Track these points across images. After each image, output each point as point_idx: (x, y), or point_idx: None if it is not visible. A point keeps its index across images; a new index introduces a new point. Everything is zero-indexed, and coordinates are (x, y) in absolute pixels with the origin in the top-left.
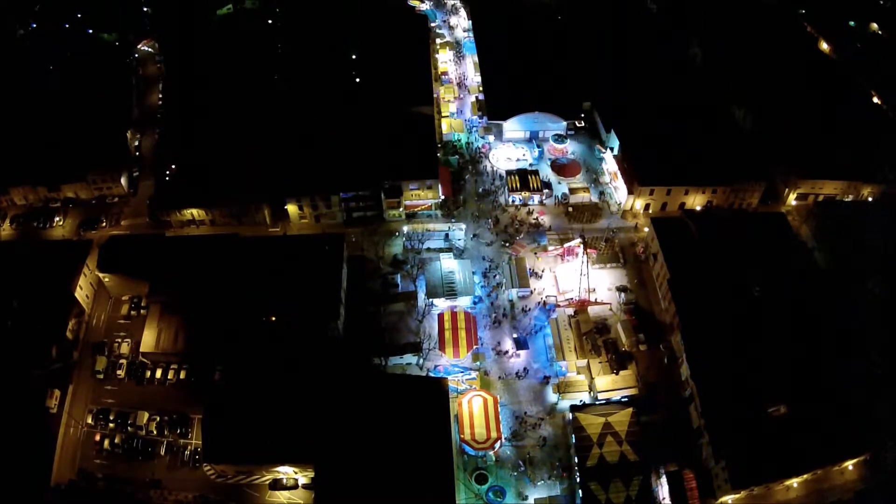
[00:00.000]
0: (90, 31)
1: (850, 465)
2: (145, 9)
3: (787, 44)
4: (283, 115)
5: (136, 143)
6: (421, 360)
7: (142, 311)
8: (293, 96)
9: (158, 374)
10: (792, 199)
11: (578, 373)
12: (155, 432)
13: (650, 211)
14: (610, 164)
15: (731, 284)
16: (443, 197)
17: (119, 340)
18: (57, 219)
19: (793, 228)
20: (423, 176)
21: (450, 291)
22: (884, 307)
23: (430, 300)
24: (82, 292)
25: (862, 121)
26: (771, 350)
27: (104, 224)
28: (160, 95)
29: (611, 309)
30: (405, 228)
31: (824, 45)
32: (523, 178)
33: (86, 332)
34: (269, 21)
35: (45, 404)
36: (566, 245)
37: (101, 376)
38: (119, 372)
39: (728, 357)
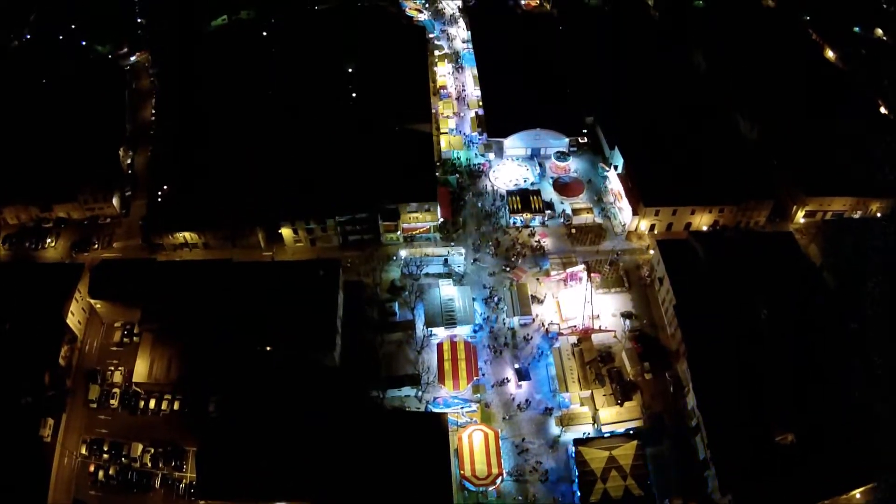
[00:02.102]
0: (83, 42)
1: (857, 493)
2: (139, 20)
3: (793, 52)
4: (277, 134)
5: (129, 161)
6: (420, 393)
7: (135, 339)
8: (288, 113)
9: (152, 404)
10: (800, 217)
11: (582, 404)
12: (149, 465)
13: (655, 232)
14: (614, 182)
15: (739, 309)
16: (442, 219)
17: (112, 368)
18: (49, 240)
19: (801, 248)
20: (422, 198)
21: (449, 320)
22: (892, 328)
23: (430, 329)
24: (74, 318)
25: (869, 133)
26: (778, 376)
27: (96, 246)
28: (153, 111)
29: (615, 336)
30: (403, 254)
31: (830, 53)
32: (524, 198)
33: (79, 358)
34: (264, 33)
35: (38, 433)
36: (569, 270)
37: (95, 405)
38: (112, 401)
39: (735, 385)
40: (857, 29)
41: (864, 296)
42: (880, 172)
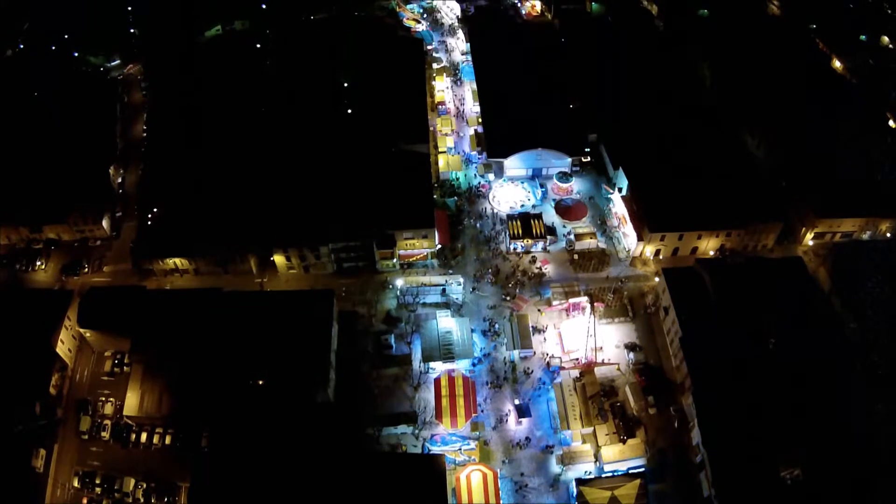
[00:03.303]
0: (76, 53)
1: None
2: (132, 30)
3: (800, 64)
4: (270, 154)
5: (120, 180)
6: (417, 431)
7: (125, 368)
8: (281, 132)
9: (144, 437)
10: (809, 239)
11: (584, 441)
12: (142, 500)
13: (661, 256)
14: (618, 205)
15: (746, 339)
16: (440, 245)
17: (103, 399)
18: (39, 262)
19: (810, 273)
20: (419, 225)
21: (447, 354)
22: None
23: (427, 364)
24: (64, 346)
25: (877, 147)
26: (785, 408)
27: (86, 269)
28: (144, 126)
29: (618, 369)
30: (399, 282)
31: (837, 63)
32: (525, 223)
33: (70, 387)
34: (258, 45)
35: (31, 464)
36: (571, 301)
37: (86, 437)
38: (104, 433)
39: (741, 420)
40: (863, 37)
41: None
42: (889, 188)
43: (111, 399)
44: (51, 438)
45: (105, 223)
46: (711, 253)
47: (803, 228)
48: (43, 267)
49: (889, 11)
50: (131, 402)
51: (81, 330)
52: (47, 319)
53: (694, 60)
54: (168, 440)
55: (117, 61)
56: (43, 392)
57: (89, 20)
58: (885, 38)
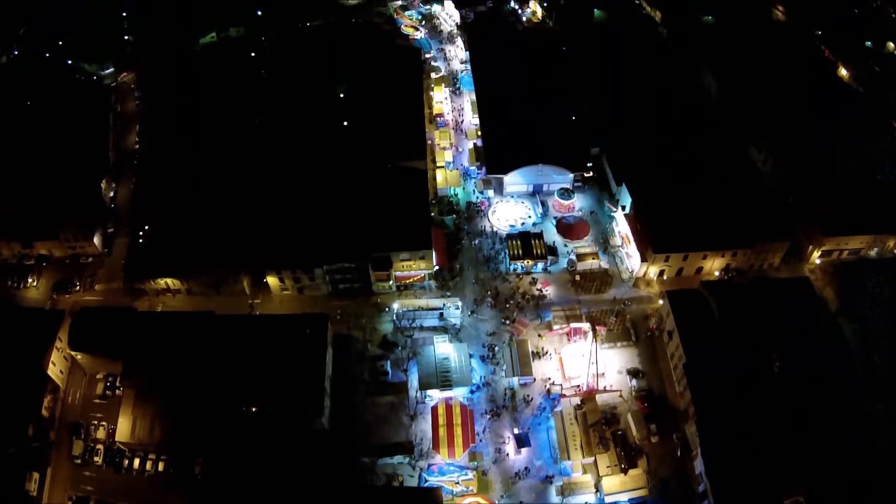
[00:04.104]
0: (69, 61)
1: None
2: (126, 37)
3: (807, 73)
4: (263, 170)
5: (112, 194)
6: (413, 462)
7: (117, 392)
8: (275, 145)
9: (136, 463)
10: (816, 258)
11: (584, 471)
12: None
13: (665, 277)
14: (622, 224)
15: (752, 365)
16: (437, 266)
17: (95, 423)
18: (31, 279)
19: (817, 293)
20: (416, 246)
21: (444, 382)
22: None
23: (424, 392)
24: (56, 368)
25: (885, 158)
26: (790, 436)
27: (77, 288)
28: (137, 138)
29: (620, 396)
30: (395, 306)
31: (843, 72)
32: (526, 242)
33: (62, 409)
34: (252, 54)
35: (24, 487)
36: (573, 326)
37: (79, 461)
38: (97, 458)
39: (745, 449)
40: (868, 43)
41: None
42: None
43: (103, 423)
44: (44, 461)
45: (96, 240)
46: (717, 273)
47: (810, 246)
48: (35, 284)
49: (895, 16)
50: (123, 428)
51: (72, 353)
52: (39, 340)
53: (699, 70)
54: (161, 467)
55: (111, 69)
56: (36, 414)
57: (85, 26)
58: (891, 45)
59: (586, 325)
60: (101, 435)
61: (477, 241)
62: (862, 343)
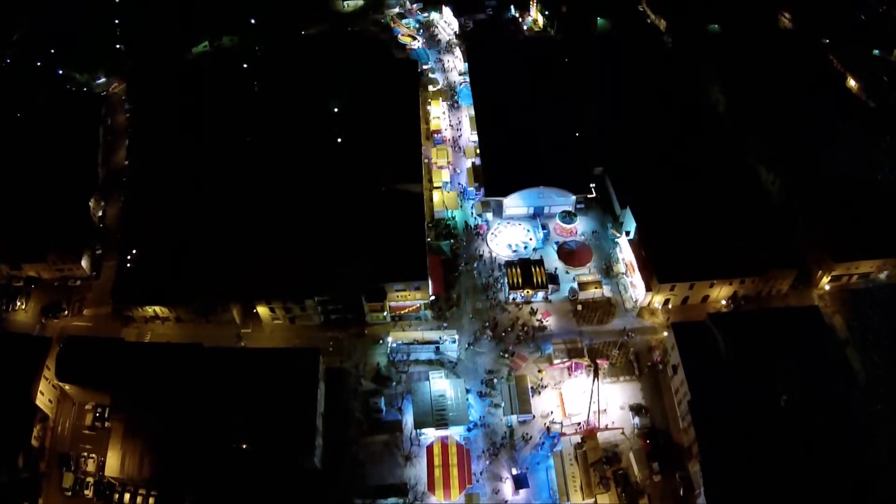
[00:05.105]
0: (60, 71)
1: None
2: (118, 46)
3: (815, 85)
4: (254, 193)
5: (101, 213)
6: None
7: (106, 424)
8: (267, 166)
9: (127, 498)
10: (826, 284)
11: None
12: None
13: (670, 306)
14: (625, 251)
15: (758, 399)
16: (433, 296)
17: (85, 455)
18: (19, 302)
19: (826, 321)
20: (411, 277)
21: (440, 420)
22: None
23: (419, 431)
24: (44, 397)
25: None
26: (796, 475)
27: (66, 312)
28: (126, 154)
29: (623, 433)
30: (389, 339)
31: (852, 83)
32: (526, 270)
33: (52, 439)
34: (245, 66)
35: None
36: (574, 360)
37: (69, 493)
38: (87, 492)
39: (750, 488)
40: (876, 52)
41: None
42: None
43: (93, 455)
44: (34, 493)
45: (84, 262)
46: (724, 302)
47: (819, 272)
48: (23, 307)
49: None
50: (112, 463)
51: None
52: (26, 368)
53: (706, 83)
54: (152, 502)
55: (103, 79)
56: (25, 444)
57: (78, 33)
58: None
59: (587, 362)
60: (92, 468)
61: (476, 265)
62: (869, 373)
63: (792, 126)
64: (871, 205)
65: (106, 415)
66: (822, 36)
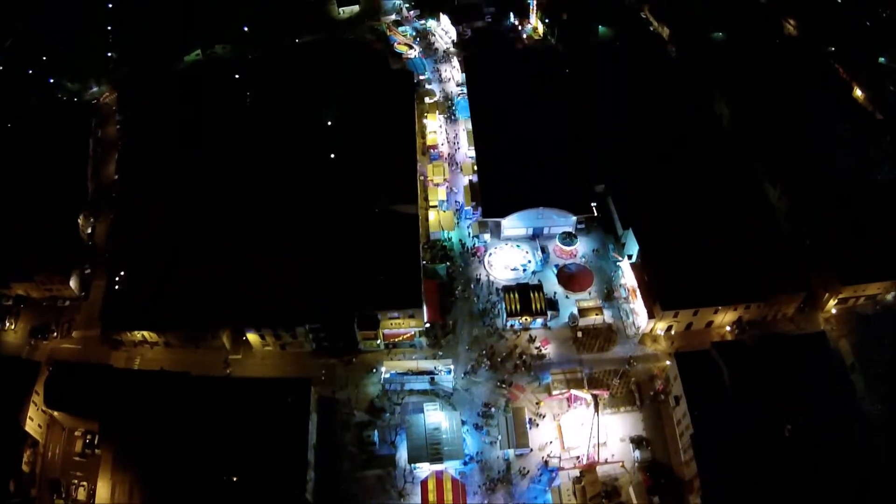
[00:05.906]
0: (51, 80)
1: None
2: (109, 54)
3: (822, 97)
4: (243, 215)
5: (90, 230)
6: None
7: (96, 451)
8: (257, 186)
9: None
10: (832, 307)
11: None
12: None
13: (673, 332)
14: (627, 275)
15: (761, 431)
16: (428, 324)
17: (76, 482)
18: (8, 322)
19: (832, 346)
20: (405, 304)
21: (435, 454)
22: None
23: (413, 465)
24: (34, 423)
25: None
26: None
27: (55, 334)
28: (116, 167)
29: (623, 466)
30: (382, 370)
31: (858, 93)
32: (524, 296)
33: (42, 465)
34: (237, 76)
35: None
36: (573, 392)
37: None
38: None
39: None
40: (882, 59)
41: None
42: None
43: (83, 483)
44: None
45: (73, 283)
46: (728, 328)
47: (826, 294)
48: (13, 328)
49: None
50: (102, 493)
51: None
52: (15, 393)
53: (710, 96)
54: None
55: (95, 88)
56: (16, 469)
57: (70, 41)
58: None
59: (588, 397)
60: (82, 496)
61: (473, 288)
62: (874, 400)
63: (797, 136)
64: (880, 223)
65: (96, 441)
66: (827, 44)
